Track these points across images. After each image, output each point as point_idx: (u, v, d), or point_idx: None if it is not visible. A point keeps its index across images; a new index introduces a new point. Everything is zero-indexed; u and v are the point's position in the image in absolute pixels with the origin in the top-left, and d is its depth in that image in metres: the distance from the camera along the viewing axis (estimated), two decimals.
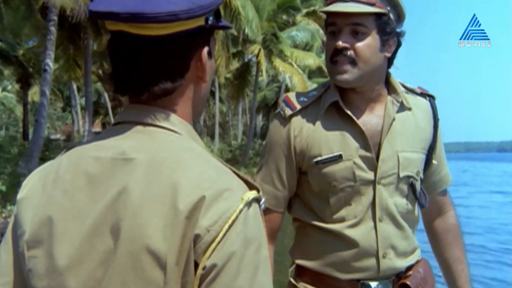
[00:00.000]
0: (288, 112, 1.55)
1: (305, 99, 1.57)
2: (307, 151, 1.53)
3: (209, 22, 0.90)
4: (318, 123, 1.53)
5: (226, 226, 0.79)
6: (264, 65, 23.91)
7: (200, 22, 0.88)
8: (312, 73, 34.40)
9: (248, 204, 0.82)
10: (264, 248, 0.83)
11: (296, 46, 26.11)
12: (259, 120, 41.42)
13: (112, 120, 1.20)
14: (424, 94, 1.65)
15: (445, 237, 1.72)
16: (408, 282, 1.54)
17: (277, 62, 24.26)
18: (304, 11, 29.26)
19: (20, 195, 0.91)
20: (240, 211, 0.80)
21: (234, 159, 27.04)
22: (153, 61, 0.86)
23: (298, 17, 28.85)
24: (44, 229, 0.85)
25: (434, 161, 1.65)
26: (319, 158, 1.51)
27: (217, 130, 31.11)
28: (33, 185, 0.91)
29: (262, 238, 0.83)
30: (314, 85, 29.00)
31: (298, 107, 1.55)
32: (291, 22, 28.03)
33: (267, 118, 39.43)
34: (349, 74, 1.47)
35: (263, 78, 27.55)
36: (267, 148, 1.59)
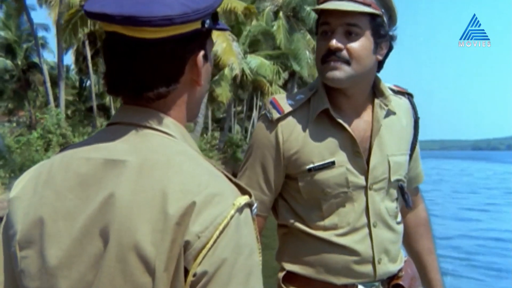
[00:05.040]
0: (276, 115, 1.53)
1: (293, 103, 1.54)
2: (297, 157, 1.52)
3: (206, 26, 0.89)
4: (308, 129, 1.52)
5: (217, 233, 0.79)
6: None
7: (196, 25, 0.87)
8: (255, 44, 27.36)
9: (240, 209, 0.82)
10: (256, 254, 0.84)
11: None
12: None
13: None
14: (402, 93, 1.67)
15: (416, 230, 1.76)
16: (401, 283, 1.59)
17: None
18: None
19: (12, 194, 0.91)
20: (231, 217, 0.80)
21: None
22: (147, 64, 0.86)
23: None
24: (36, 229, 0.85)
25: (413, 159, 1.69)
26: (311, 165, 1.51)
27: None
28: (25, 184, 0.91)
29: (254, 244, 0.84)
30: (254, 57, 21.60)
31: (286, 110, 1.53)
32: None
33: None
34: (341, 72, 1.46)
35: None
36: (252, 151, 1.57)
